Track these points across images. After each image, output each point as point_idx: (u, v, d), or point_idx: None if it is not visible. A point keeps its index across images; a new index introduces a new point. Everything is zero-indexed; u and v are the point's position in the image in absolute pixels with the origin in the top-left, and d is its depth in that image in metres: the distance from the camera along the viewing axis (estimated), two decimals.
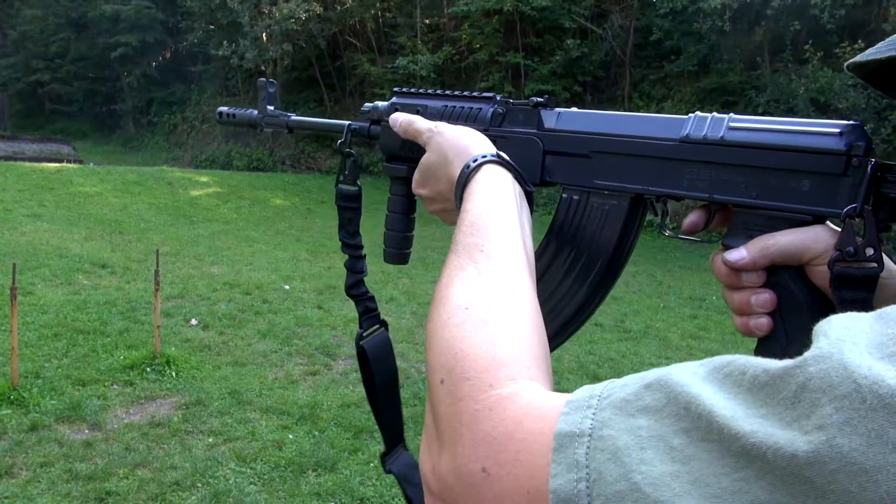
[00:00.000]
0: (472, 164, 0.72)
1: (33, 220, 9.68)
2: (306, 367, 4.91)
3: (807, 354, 0.37)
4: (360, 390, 4.49)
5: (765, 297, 0.65)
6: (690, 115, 0.70)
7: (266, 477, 3.37)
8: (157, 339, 4.57)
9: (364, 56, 19.81)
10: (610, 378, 0.46)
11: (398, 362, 0.97)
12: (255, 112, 1.12)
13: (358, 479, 3.41)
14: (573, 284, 0.79)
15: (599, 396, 0.44)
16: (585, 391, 0.45)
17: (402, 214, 0.94)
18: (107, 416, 3.85)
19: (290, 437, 3.78)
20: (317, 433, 3.85)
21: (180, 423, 3.85)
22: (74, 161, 18.62)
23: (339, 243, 0.98)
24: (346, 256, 0.98)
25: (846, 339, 0.37)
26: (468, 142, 0.76)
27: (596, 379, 4.14)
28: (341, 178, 0.96)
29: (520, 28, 17.64)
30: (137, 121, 27.30)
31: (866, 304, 0.59)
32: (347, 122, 1.00)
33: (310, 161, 20.52)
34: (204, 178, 15.14)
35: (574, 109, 0.81)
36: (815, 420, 0.35)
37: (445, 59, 18.66)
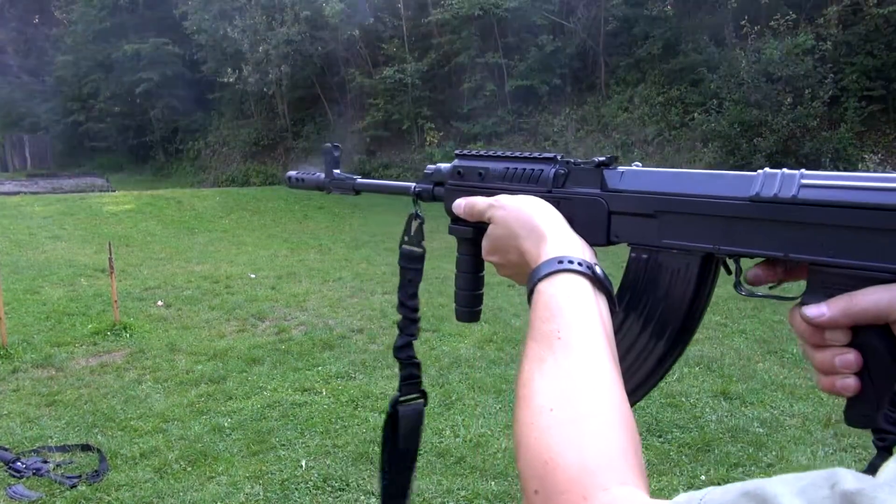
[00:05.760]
0: (542, 274, 0.68)
1: (53, 241, 11.30)
2: (237, 327, 6.25)
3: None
4: (261, 338, 5.81)
5: (849, 358, 0.61)
6: (759, 172, 0.68)
7: (169, 387, 4.71)
8: (116, 310, 5.98)
9: (357, 70, 21.24)
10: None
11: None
12: (322, 175, 1.15)
13: (240, 389, 4.71)
14: (650, 341, 0.78)
15: (700, 500, 0.45)
16: (685, 496, 0.46)
17: (471, 274, 0.94)
18: (70, 363, 5.24)
19: (199, 367, 5.11)
20: (219, 364, 5.17)
21: (122, 363, 5.22)
22: (106, 191, 20.52)
23: (397, 302, 0.98)
24: (400, 317, 0.97)
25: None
26: (531, 213, 0.76)
27: None
28: (406, 238, 0.96)
29: (497, 30, 18.76)
30: (166, 149, 29.45)
31: None
32: (413, 184, 1.01)
33: None
34: (211, 193, 16.72)
35: (637, 167, 0.80)
36: None
37: (431, 65, 19.98)
